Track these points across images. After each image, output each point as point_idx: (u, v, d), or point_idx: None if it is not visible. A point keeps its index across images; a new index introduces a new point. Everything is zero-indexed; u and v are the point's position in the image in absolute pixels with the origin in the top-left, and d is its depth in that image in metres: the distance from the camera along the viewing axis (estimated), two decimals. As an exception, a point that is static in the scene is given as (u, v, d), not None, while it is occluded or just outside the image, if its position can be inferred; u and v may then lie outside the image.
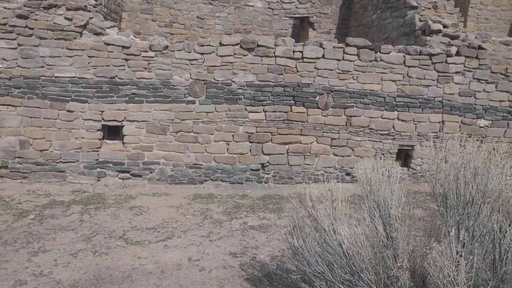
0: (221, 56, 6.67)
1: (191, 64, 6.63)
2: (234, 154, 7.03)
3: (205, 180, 7.06)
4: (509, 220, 2.28)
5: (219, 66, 6.70)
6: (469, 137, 7.35)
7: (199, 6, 11.01)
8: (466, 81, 7.22)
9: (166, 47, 6.51)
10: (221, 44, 6.66)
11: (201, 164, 6.98)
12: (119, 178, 6.77)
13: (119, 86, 6.49)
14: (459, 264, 2.09)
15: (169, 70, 6.58)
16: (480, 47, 7.12)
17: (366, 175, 3.06)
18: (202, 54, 6.63)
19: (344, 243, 2.60)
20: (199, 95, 6.75)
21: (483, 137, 7.43)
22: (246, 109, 6.89)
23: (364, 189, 3.11)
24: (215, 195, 6.56)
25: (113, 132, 6.83)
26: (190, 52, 6.58)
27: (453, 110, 7.32)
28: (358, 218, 3.11)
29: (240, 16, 11.32)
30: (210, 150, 6.96)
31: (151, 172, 6.84)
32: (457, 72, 7.16)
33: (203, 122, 6.86)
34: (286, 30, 11.53)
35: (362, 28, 10.87)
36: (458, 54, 7.12)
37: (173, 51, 6.54)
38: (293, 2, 11.46)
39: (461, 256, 2.06)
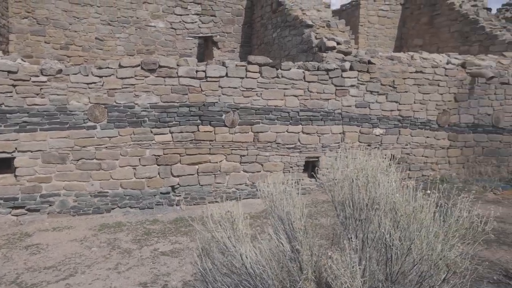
0: (122, 78, 6.43)
1: (90, 88, 6.30)
2: (142, 178, 6.77)
3: (113, 208, 6.68)
4: (396, 223, 2.44)
5: (120, 88, 6.44)
6: (368, 145, 7.93)
7: (97, 27, 10.58)
8: (360, 93, 7.76)
9: (60, 71, 6.11)
10: (120, 66, 6.43)
11: (107, 192, 6.61)
12: (12, 215, 6.14)
13: (7, 115, 5.93)
14: (354, 271, 2.17)
15: (65, 95, 6.18)
16: (369, 62, 7.72)
17: (268, 191, 3.10)
18: (100, 77, 6.34)
19: (247, 263, 2.59)
20: (100, 119, 6.42)
21: (379, 145, 8.03)
22: (151, 132, 6.69)
23: (267, 204, 3.14)
24: (123, 223, 6.23)
25: (2, 165, 6.19)
26: (87, 75, 6.25)
27: (352, 121, 7.81)
28: (269, 233, 3.13)
29: (142, 37, 11.09)
30: (116, 176, 6.62)
31: (50, 205, 6.31)
32: (352, 86, 7.67)
33: (106, 147, 6.52)
34: (191, 49, 11.52)
35: (264, 46, 11.24)
36: (351, 68, 7.65)
37: (68, 74, 6.16)
38: (196, 22, 11.52)
39: (354, 262, 2.16)
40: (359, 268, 2.19)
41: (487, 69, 8.32)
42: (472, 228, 2.43)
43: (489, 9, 11.45)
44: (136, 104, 6.56)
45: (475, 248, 2.51)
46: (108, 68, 6.36)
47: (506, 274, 4.25)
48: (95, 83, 6.30)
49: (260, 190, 3.23)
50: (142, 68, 6.51)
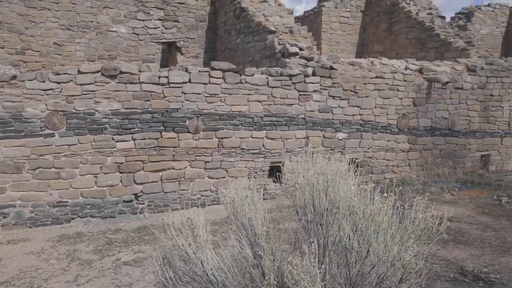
0: (81, 84, 6.27)
1: (47, 94, 6.10)
2: (104, 186, 6.61)
3: (73, 218, 6.48)
4: (355, 226, 2.49)
5: (79, 95, 6.28)
6: (331, 149, 8.05)
7: (56, 31, 10.26)
8: (323, 98, 7.88)
9: (15, 77, 5.89)
10: (80, 72, 6.26)
11: (67, 201, 6.40)
12: (-36, 228, 5.85)
13: (-42, 123, 5.66)
14: (314, 275, 2.19)
15: (20, 102, 5.96)
16: (331, 68, 7.87)
17: (229, 197, 3.09)
18: (58, 83, 6.15)
19: (208, 270, 2.56)
20: (59, 127, 6.23)
21: (342, 148, 8.17)
22: (113, 139, 6.55)
23: (229, 210, 3.13)
24: (84, 233, 6.05)
25: (-47, 175, 5.90)
26: (44, 82, 6.06)
27: (315, 126, 7.92)
28: (232, 239, 3.11)
29: (104, 42, 10.85)
30: (76, 185, 6.43)
31: (5, 217, 6.05)
32: (315, 91, 7.78)
33: (65, 155, 6.32)
34: (154, 55, 11.37)
35: (228, 52, 11.25)
36: (314, 74, 7.76)
37: (24, 81, 5.94)
38: (159, 27, 11.39)
39: (314, 267, 2.18)
40: (319, 272, 2.21)
41: (442, 75, 8.65)
42: (427, 228, 2.51)
43: (443, 17, 11.96)
44: (97, 110, 6.40)
45: (431, 248, 2.59)
46: (67, 74, 6.19)
47: (461, 271, 4.42)
48: (52, 89, 6.10)
49: (222, 196, 3.21)
50: (102, 74, 6.37)
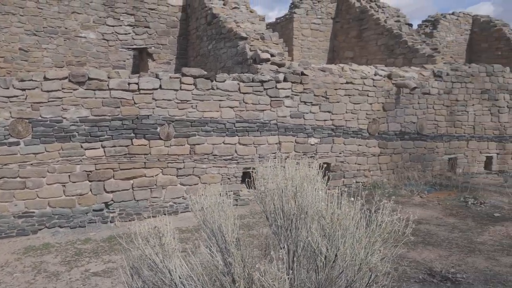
0: (48, 91, 6.11)
1: (11, 102, 5.92)
2: (73, 196, 6.44)
3: (40, 229, 6.28)
4: (323, 231, 2.51)
5: (46, 102, 6.11)
6: (304, 154, 8.11)
7: (21, 37, 9.98)
8: (295, 104, 7.94)
9: (-23, 84, 5.70)
10: (46, 79, 6.10)
11: (33, 212, 6.20)
12: None
13: None
14: (282, 281, 2.19)
15: (-17, 109, 5.76)
16: (302, 73, 7.95)
17: (198, 204, 3.06)
18: (23, 90, 5.98)
19: (176, 278, 2.53)
20: (24, 135, 6.04)
21: (315, 153, 8.25)
22: (82, 147, 6.40)
23: (199, 218, 3.10)
24: (52, 244, 5.87)
25: None
26: (8, 88, 5.87)
27: (287, 131, 7.96)
28: (204, 246, 3.08)
29: (72, 48, 10.62)
30: (43, 194, 6.24)
31: (-33, 230, 5.82)
32: (286, 97, 7.84)
33: (31, 164, 6.13)
34: (125, 61, 11.21)
35: (200, 58, 11.22)
36: (285, 80, 7.82)
37: (-14, 87, 5.75)
38: (129, 33, 11.25)
39: (282, 273, 2.18)
40: (288, 278, 2.21)
41: (410, 80, 8.88)
42: (394, 231, 2.55)
43: (411, 25, 12.29)
44: (64, 118, 6.25)
45: (399, 250, 2.63)
46: (32, 80, 6.02)
47: (430, 272, 4.51)
48: (17, 96, 5.93)
49: (191, 204, 3.18)
50: (70, 81, 6.23)
